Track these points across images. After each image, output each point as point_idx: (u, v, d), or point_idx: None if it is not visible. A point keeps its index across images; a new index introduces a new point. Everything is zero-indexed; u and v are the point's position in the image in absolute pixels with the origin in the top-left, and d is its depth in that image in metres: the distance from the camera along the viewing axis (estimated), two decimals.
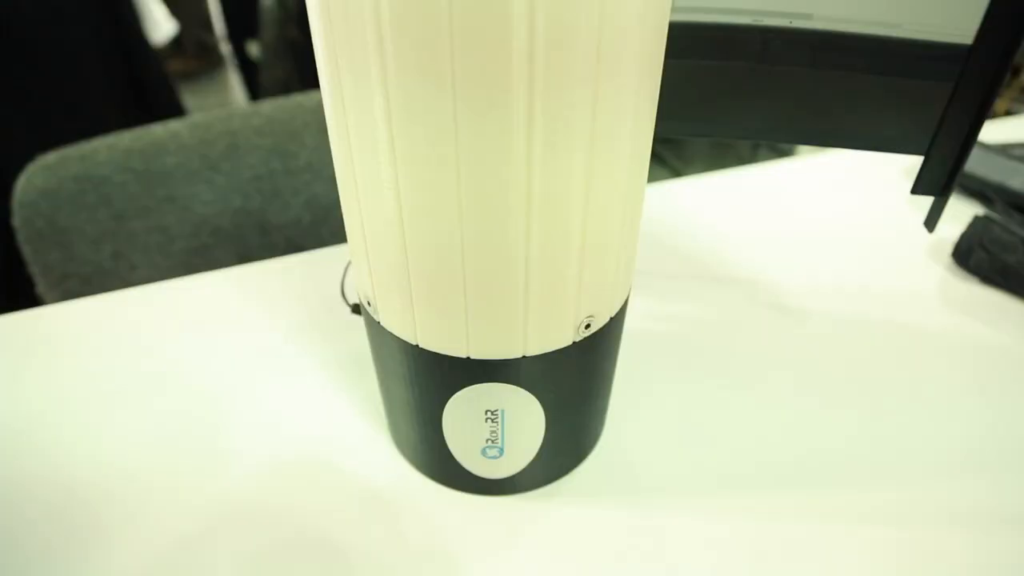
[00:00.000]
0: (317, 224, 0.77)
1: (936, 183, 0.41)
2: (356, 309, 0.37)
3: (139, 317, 0.52)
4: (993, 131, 0.76)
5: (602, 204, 0.26)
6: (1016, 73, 1.96)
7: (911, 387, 0.45)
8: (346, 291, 0.51)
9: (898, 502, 0.38)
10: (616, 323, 0.32)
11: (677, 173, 1.17)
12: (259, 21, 1.30)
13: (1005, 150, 0.68)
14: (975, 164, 0.66)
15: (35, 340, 0.50)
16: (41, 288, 0.75)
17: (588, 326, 0.30)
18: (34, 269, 0.74)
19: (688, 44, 0.37)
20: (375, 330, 0.32)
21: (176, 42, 2.61)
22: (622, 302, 0.32)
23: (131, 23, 1.63)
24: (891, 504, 0.38)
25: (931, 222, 0.42)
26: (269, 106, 0.76)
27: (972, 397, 0.45)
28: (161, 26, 2.71)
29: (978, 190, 0.65)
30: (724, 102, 0.39)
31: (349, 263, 0.51)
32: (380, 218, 0.26)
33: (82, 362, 0.48)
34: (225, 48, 2.39)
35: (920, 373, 0.47)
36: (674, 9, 0.36)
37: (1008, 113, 2.05)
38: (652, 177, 1.11)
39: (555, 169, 0.24)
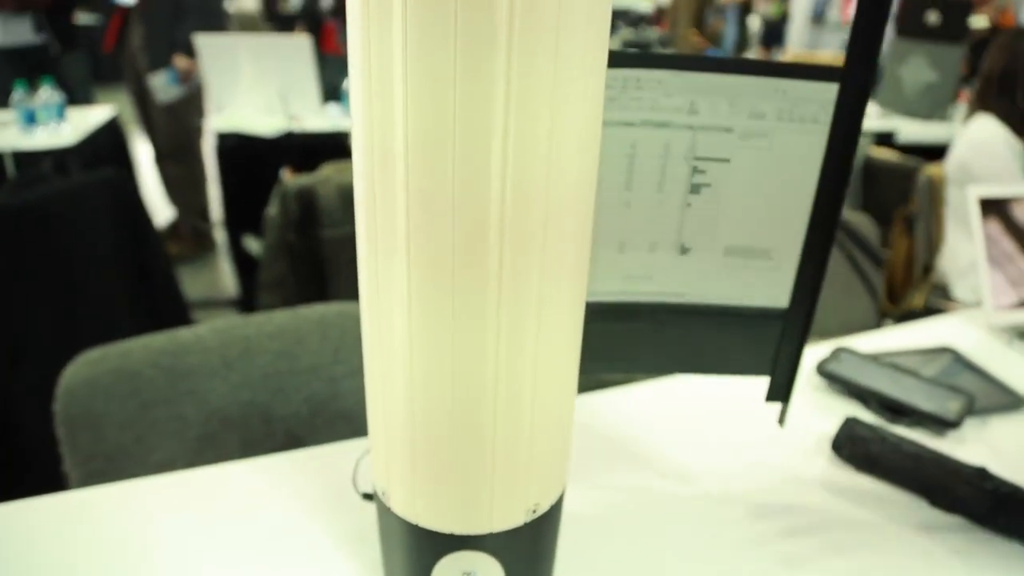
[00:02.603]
0: (313, 416, 0.90)
1: (779, 393, 0.60)
2: (368, 496, 0.50)
3: (160, 504, 0.63)
4: (875, 340, 0.94)
5: (545, 425, 0.41)
6: (927, 272, 2.22)
7: (798, 556, 0.59)
8: (356, 482, 0.63)
9: None
10: (555, 508, 0.46)
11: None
12: (263, 225, 1.49)
13: (877, 359, 0.85)
14: (854, 371, 0.83)
15: (57, 524, 0.60)
16: (67, 466, 0.86)
17: (535, 511, 0.43)
18: (65, 448, 0.85)
19: (602, 313, 0.54)
20: (384, 513, 0.45)
21: (173, 227, 2.83)
22: (559, 495, 0.46)
23: (139, 211, 1.79)
24: None
25: (781, 419, 0.60)
26: (280, 316, 0.91)
27: (840, 561, 0.58)
28: (159, 213, 2.93)
29: (856, 393, 0.82)
30: (624, 349, 0.56)
31: (359, 458, 0.64)
32: (396, 411, 0.40)
33: (104, 547, 0.58)
34: (220, 236, 2.60)
35: (803, 545, 0.60)
36: (594, 293, 0.53)
37: (927, 307, 2.26)
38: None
39: (513, 392, 0.38)
